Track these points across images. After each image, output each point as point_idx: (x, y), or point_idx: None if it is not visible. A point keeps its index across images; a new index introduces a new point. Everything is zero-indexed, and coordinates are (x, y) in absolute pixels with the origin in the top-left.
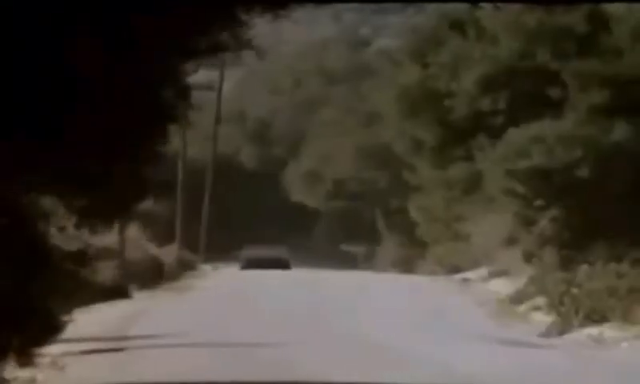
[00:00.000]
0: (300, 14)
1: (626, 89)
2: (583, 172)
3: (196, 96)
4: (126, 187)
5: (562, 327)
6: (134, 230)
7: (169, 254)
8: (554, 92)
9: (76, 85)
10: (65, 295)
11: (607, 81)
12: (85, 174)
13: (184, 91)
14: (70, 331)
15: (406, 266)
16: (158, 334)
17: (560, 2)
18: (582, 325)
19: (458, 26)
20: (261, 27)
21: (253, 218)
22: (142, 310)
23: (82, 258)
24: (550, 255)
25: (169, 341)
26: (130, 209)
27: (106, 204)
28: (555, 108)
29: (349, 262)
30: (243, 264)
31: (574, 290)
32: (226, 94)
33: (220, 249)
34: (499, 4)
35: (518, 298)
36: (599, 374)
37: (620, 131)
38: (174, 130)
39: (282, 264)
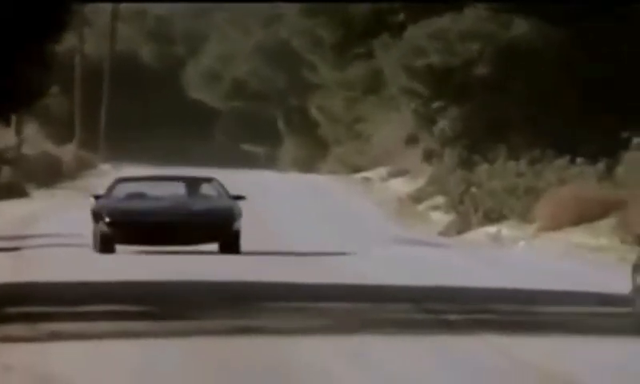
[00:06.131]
0: None
1: None
2: (482, 70)
3: None
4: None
5: (461, 226)
6: (31, 128)
7: (67, 152)
8: None
9: None
10: None
11: None
12: None
13: None
14: None
15: (307, 165)
16: (57, 233)
17: None
18: (481, 223)
19: None
20: None
21: (152, 116)
22: (40, 208)
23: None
24: (449, 154)
25: (67, 240)
26: (28, 104)
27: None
28: (455, 3)
29: (250, 162)
30: (107, 228)
31: (474, 189)
32: None
33: (120, 148)
34: None
35: (417, 197)
36: (496, 272)
37: (519, 27)
38: (70, 26)
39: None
